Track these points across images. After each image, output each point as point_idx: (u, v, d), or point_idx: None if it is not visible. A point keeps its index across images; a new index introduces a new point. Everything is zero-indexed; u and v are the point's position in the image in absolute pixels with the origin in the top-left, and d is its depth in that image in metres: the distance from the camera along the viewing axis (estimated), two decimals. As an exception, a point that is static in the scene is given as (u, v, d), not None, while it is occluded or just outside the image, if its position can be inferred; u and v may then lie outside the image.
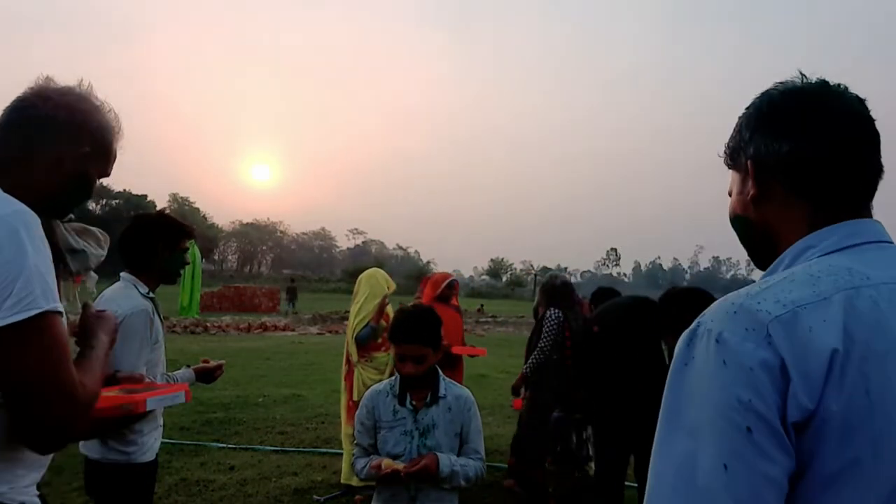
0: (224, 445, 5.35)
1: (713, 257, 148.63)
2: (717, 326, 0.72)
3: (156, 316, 2.25)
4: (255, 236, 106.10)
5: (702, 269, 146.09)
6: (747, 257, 0.96)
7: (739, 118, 0.92)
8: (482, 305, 34.31)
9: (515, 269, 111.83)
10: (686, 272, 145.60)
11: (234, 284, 35.27)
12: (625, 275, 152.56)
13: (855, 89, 0.85)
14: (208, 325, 18.10)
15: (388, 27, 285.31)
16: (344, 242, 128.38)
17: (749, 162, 0.87)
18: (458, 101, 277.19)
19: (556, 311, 4.37)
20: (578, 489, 4.57)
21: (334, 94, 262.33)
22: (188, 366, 2.45)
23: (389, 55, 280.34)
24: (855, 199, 0.82)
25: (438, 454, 2.09)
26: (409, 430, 2.16)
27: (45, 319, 1.01)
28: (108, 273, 1.82)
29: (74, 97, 1.23)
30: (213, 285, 36.17)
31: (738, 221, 0.92)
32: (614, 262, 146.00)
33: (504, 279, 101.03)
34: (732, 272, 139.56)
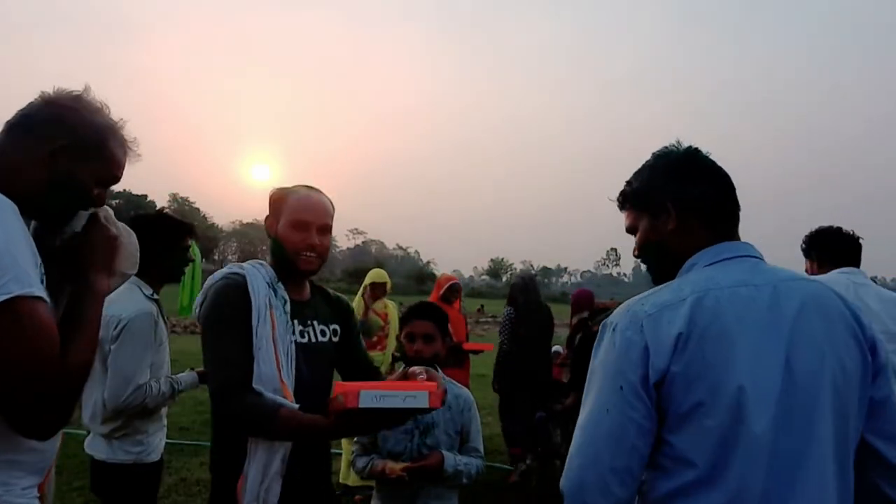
0: (224, 445, 5.35)
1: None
2: (615, 320, 1.11)
3: (160, 318, 2.25)
4: (255, 236, 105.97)
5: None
6: None
7: (646, 172, 1.25)
8: (482, 305, 34.31)
9: (515, 269, 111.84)
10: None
11: (234, 284, 35.15)
12: (625, 275, 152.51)
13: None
14: (208, 324, 18.07)
15: (388, 28, 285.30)
16: (344, 242, 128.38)
17: (671, 203, 1.18)
18: (458, 102, 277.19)
19: (509, 308, 5.00)
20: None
21: (334, 94, 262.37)
22: (192, 368, 2.45)
23: (389, 56, 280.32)
24: (731, 226, 1.19)
25: (444, 453, 2.10)
26: (409, 429, 2.17)
27: (17, 304, 0.99)
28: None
29: (64, 97, 1.20)
30: (213, 285, 36.06)
31: (653, 247, 1.23)
32: (614, 262, 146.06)
33: (504, 279, 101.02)
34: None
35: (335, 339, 1.79)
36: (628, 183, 1.28)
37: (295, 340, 1.64)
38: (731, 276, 1.09)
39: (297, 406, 1.49)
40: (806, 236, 2.85)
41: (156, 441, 2.24)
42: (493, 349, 5.10)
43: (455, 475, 2.09)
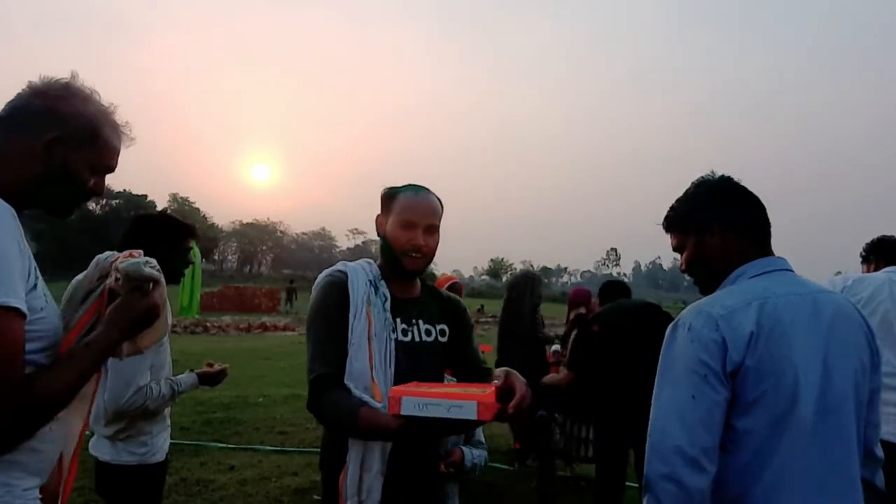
0: (224, 445, 5.35)
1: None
2: (689, 320, 1.28)
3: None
4: (255, 236, 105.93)
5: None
6: None
7: (689, 199, 1.45)
8: (482, 305, 34.26)
9: (515, 268, 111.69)
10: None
11: (235, 284, 35.23)
12: (625, 275, 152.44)
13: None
14: (208, 325, 18.10)
15: (388, 28, 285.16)
16: (344, 242, 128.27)
17: (717, 224, 1.39)
18: (458, 102, 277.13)
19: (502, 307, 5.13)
20: (563, 487, 4.56)
21: (334, 94, 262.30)
22: (191, 370, 2.45)
23: (389, 56, 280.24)
24: (765, 242, 1.40)
25: (463, 449, 2.18)
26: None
27: None
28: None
29: (53, 87, 1.17)
30: (214, 285, 36.13)
31: (702, 263, 1.43)
32: (614, 262, 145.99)
33: (504, 279, 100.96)
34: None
35: (442, 339, 1.75)
36: (672, 208, 1.48)
37: (396, 338, 1.63)
38: (782, 286, 1.30)
39: (380, 405, 1.47)
40: (867, 244, 3.18)
41: (160, 442, 2.24)
42: (493, 350, 5.10)
43: (472, 468, 2.21)
